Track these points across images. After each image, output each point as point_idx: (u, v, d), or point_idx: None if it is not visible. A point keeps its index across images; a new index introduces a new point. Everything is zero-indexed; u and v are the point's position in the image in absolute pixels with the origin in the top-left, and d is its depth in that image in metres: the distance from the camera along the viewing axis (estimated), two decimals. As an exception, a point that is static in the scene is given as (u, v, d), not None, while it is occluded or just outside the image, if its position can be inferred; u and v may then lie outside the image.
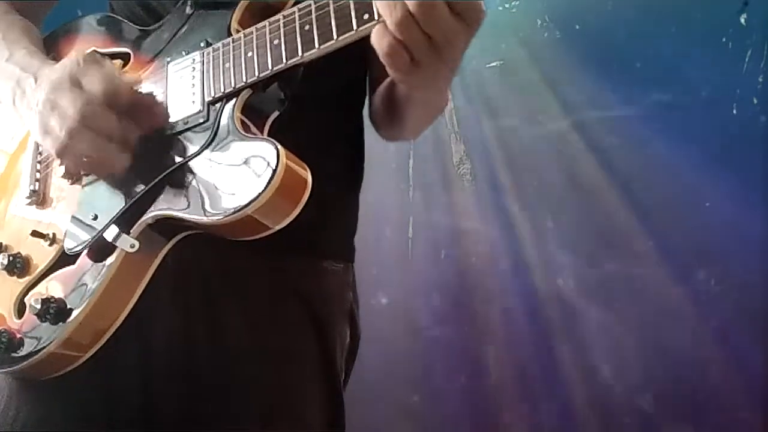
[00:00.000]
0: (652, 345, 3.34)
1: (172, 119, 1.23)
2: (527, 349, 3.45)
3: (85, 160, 1.20)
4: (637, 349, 3.36)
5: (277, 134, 1.18)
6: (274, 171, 1.06)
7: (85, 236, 1.23)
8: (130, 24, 1.39)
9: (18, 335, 1.25)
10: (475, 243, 3.55)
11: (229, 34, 1.21)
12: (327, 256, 1.44)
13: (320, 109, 1.33)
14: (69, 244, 1.25)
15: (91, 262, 1.21)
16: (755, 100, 3.25)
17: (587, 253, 3.43)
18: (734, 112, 3.26)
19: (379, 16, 1.02)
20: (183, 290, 1.30)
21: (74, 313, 1.20)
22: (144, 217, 1.18)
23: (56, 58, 1.42)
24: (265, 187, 1.06)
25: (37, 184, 1.36)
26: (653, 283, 3.37)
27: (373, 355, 3.38)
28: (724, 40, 3.24)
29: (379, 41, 1.02)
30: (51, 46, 1.47)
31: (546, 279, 3.46)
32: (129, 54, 1.36)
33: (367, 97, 1.53)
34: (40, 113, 1.21)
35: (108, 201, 1.23)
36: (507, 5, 3.43)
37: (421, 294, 3.56)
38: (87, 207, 1.25)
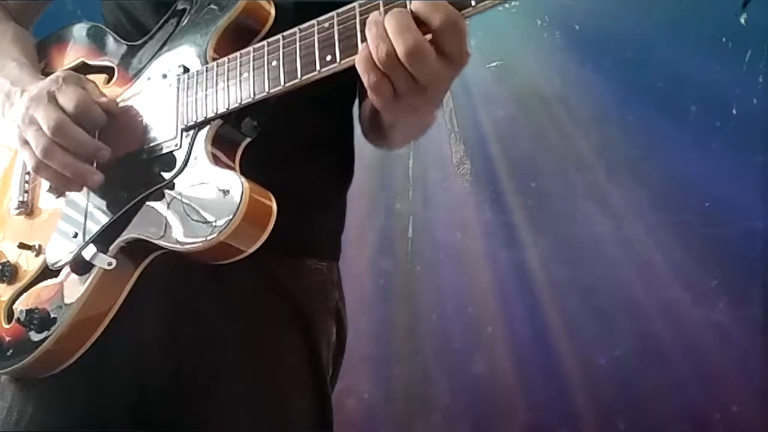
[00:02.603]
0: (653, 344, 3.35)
1: (147, 143, 1.27)
2: (526, 346, 3.47)
3: (58, 175, 1.26)
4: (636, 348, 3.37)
5: (263, 136, 1.23)
6: (239, 204, 1.12)
7: (66, 253, 1.28)
8: (117, 38, 1.42)
9: (7, 339, 1.31)
10: (475, 243, 3.56)
11: (206, 61, 1.24)
12: (310, 255, 1.45)
13: (307, 111, 1.35)
14: (51, 260, 1.30)
15: (73, 275, 1.27)
16: (755, 101, 3.24)
17: (586, 251, 3.44)
18: (734, 112, 3.26)
19: (341, 58, 1.06)
20: (168, 289, 1.33)
21: (57, 323, 1.25)
22: (119, 239, 1.23)
23: (48, 65, 1.48)
24: (230, 220, 1.12)
25: (25, 195, 1.41)
26: (654, 283, 3.38)
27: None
28: (724, 40, 3.23)
29: (365, 72, 1.04)
30: (43, 53, 1.51)
31: (545, 278, 3.47)
32: (113, 69, 1.40)
33: (357, 100, 1.54)
34: (19, 127, 1.27)
35: (87, 219, 1.29)
36: (507, 5, 3.42)
37: (420, 293, 3.57)
38: (69, 223, 1.30)
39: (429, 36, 1.01)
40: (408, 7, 1.02)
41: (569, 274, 3.41)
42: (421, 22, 1.01)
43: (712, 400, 3.24)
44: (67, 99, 1.24)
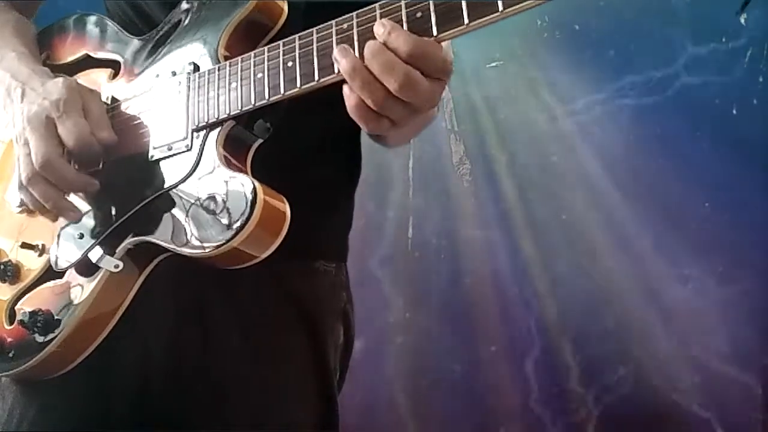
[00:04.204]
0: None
1: (156, 143, 1.24)
2: (525, 348, 3.46)
3: (38, 203, 1.24)
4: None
5: (270, 139, 1.20)
6: (252, 209, 1.09)
7: (71, 255, 1.26)
8: (123, 31, 1.39)
9: (8, 340, 1.29)
10: (475, 243, 3.55)
11: (217, 59, 1.21)
12: (319, 257, 1.44)
13: (316, 112, 1.32)
14: (55, 261, 1.28)
15: (79, 277, 1.24)
16: (755, 101, 3.24)
17: (587, 252, 3.44)
18: (734, 112, 3.26)
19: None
20: (174, 291, 1.31)
21: (61, 326, 1.23)
22: (127, 241, 1.21)
23: (50, 56, 1.45)
24: (243, 225, 1.08)
25: None
26: (654, 283, 3.38)
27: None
28: (724, 40, 3.23)
29: (362, 120, 1.05)
30: (45, 43, 1.48)
31: (547, 278, 3.46)
32: (119, 64, 1.37)
33: None
34: (16, 142, 1.25)
35: (94, 221, 1.26)
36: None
37: (420, 293, 3.57)
38: (74, 224, 1.27)
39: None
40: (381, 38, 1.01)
41: (571, 275, 3.41)
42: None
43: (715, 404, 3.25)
44: (66, 132, 1.20)
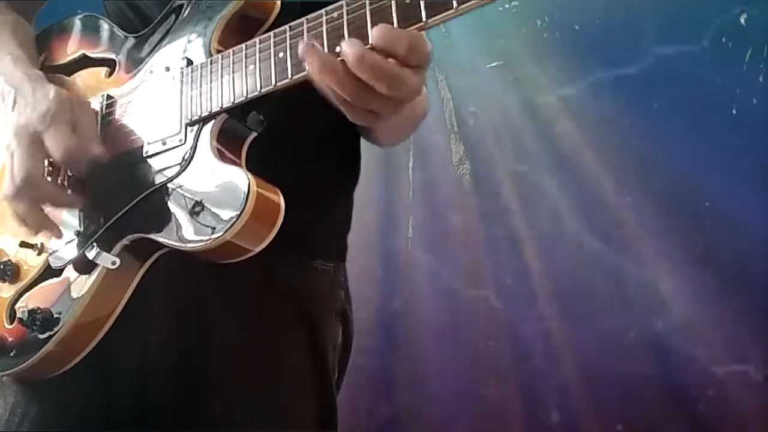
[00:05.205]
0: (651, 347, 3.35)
1: (150, 138, 1.25)
2: (525, 345, 3.47)
3: (24, 217, 1.26)
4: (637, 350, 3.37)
5: (269, 136, 1.21)
6: (246, 201, 1.09)
7: (68, 253, 1.27)
8: (119, 30, 1.41)
9: (9, 339, 1.30)
10: (476, 242, 3.55)
11: (210, 53, 1.22)
12: (317, 255, 1.44)
13: (315, 107, 1.33)
14: (53, 259, 1.29)
15: (77, 275, 1.25)
16: (755, 101, 3.24)
17: (587, 252, 3.44)
18: (734, 112, 3.26)
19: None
20: (173, 290, 1.32)
21: (60, 323, 1.23)
22: (123, 238, 1.21)
23: (48, 57, 1.47)
24: (237, 218, 1.09)
25: None
26: (653, 283, 3.38)
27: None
28: (724, 40, 3.23)
29: (342, 105, 1.04)
30: (43, 45, 1.49)
31: (549, 282, 3.47)
32: (115, 62, 1.38)
33: None
34: (6, 151, 1.26)
35: (89, 218, 1.27)
36: (507, 5, 3.42)
37: (420, 293, 3.57)
38: (71, 222, 1.29)
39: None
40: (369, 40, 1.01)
41: (574, 279, 3.41)
42: (384, 54, 0.99)
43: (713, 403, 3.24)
44: (53, 147, 1.21)
